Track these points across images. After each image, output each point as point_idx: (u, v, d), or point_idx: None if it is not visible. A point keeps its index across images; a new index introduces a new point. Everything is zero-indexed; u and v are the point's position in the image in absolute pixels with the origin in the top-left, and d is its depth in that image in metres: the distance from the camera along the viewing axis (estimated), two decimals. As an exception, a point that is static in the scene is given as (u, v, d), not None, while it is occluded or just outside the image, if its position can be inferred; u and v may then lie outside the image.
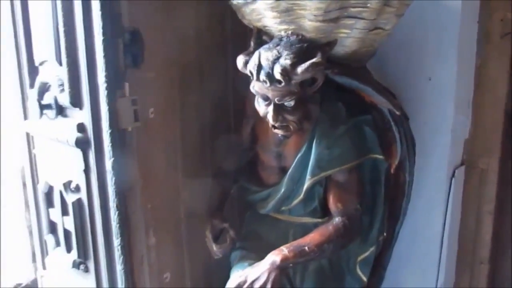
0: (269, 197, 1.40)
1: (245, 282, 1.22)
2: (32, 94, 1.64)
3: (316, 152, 1.27)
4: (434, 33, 1.22)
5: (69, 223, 1.64)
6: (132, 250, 1.50)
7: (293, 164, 1.32)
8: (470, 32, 1.24)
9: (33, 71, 1.66)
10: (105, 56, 1.32)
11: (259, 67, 1.14)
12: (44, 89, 1.61)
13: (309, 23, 1.11)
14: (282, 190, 1.35)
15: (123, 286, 1.49)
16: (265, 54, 1.14)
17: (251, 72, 1.16)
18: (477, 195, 1.43)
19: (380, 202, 1.39)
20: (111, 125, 1.36)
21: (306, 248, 1.24)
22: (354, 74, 1.24)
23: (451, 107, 1.25)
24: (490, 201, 1.43)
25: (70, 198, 1.59)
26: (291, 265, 1.24)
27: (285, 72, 1.11)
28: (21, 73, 1.72)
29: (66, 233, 1.67)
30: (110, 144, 1.38)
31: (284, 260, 1.22)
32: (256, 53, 1.16)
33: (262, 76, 1.13)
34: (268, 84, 1.14)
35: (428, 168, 1.34)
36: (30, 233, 1.98)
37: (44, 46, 1.55)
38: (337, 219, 1.30)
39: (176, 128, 1.60)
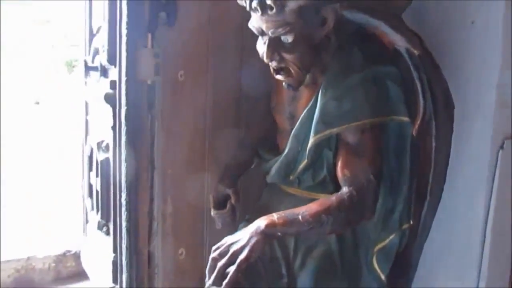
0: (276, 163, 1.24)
1: (223, 245, 1.07)
2: (87, 59, 1.75)
3: (321, 103, 1.08)
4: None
5: (98, 183, 1.66)
6: (139, 209, 1.45)
7: (299, 120, 1.15)
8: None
9: (91, 38, 1.77)
10: (128, 4, 1.33)
11: None
12: (95, 53, 1.70)
13: None
14: (286, 150, 1.19)
15: (125, 245, 1.43)
16: None
17: (245, 1, 1.06)
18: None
19: (404, 177, 1.13)
20: (127, 73, 1.36)
21: (300, 217, 1.04)
22: (368, 9, 1.06)
23: (497, 58, 0.98)
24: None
25: (100, 157, 1.62)
26: (279, 233, 1.05)
27: None
28: (85, 44, 1.84)
29: (97, 194, 1.70)
30: (125, 93, 1.37)
31: (271, 225, 1.03)
32: None
33: (254, 4, 1.02)
34: (260, 12, 1.02)
35: (470, 137, 1.05)
36: (83, 201, 2.07)
37: (99, 13, 1.65)
38: (343, 189, 1.08)
39: (207, 94, 1.53)
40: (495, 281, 1.08)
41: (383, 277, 1.16)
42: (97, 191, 1.69)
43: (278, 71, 1.11)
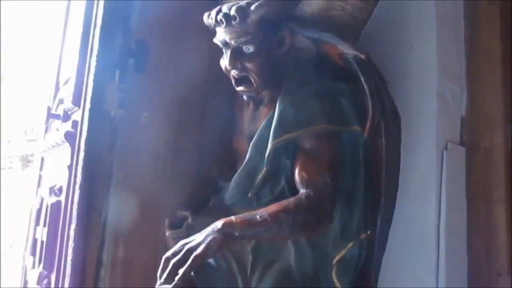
0: None
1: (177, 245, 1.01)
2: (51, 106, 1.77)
3: (279, 109, 1.14)
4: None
5: (45, 233, 1.56)
6: (88, 253, 1.36)
7: (258, 130, 1.19)
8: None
9: (57, 91, 1.81)
10: (99, 43, 1.42)
11: (219, 10, 1.15)
12: (59, 103, 1.73)
13: (270, -25, 1.14)
14: (245, 161, 1.20)
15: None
16: (227, 3, 1.17)
17: (211, 19, 1.17)
18: (484, 182, 1.10)
19: (359, 187, 1.14)
20: (91, 102, 1.38)
21: (258, 216, 1.01)
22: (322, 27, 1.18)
23: (434, 72, 1.09)
24: (499, 186, 1.09)
25: (51, 201, 1.55)
26: (236, 233, 1.00)
27: (240, 8, 1.11)
28: (51, 98, 1.88)
29: (41, 245, 1.58)
30: (87, 121, 1.37)
31: (228, 224, 0.99)
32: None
33: (220, 16, 1.13)
34: (225, 24, 1.13)
35: (416, 145, 1.11)
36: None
37: (70, 64, 1.72)
38: (301, 191, 1.08)
39: (169, 139, 1.55)
40: (453, 281, 1.05)
41: (341, 289, 1.11)
42: (41, 242, 1.57)
43: (239, 82, 1.18)
